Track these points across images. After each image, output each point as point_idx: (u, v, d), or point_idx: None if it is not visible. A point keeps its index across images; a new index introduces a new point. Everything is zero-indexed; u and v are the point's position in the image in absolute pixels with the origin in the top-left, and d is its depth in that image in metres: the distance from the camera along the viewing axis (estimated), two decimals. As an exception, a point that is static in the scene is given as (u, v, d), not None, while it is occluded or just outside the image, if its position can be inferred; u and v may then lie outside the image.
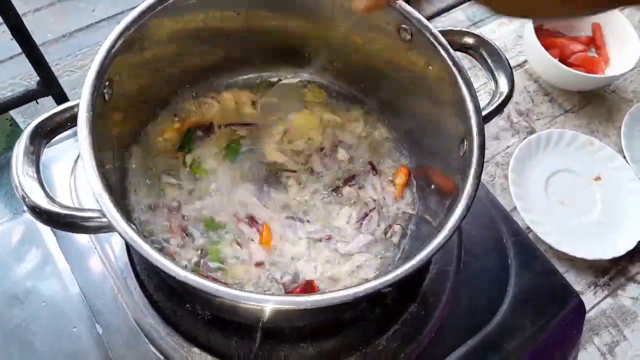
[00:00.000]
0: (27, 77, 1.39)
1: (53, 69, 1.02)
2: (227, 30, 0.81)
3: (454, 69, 0.68)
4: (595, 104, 1.28)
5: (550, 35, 1.28)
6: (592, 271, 1.07)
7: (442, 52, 0.69)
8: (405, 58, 0.76)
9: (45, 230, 0.81)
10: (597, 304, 1.05)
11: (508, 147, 1.20)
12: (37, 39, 0.99)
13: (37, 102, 0.99)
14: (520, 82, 1.30)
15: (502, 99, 0.70)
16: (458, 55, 0.71)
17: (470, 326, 0.81)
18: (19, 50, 0.97)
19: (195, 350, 0.74)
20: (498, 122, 1.23)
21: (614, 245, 1.06)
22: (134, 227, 0.55)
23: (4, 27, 0.94)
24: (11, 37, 0.95)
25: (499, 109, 0.69)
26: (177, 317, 0.76)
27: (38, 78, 0.97)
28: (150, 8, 0.69)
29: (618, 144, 1.21)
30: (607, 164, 1.16)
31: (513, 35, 1.37)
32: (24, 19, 0.94)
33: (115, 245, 0.80)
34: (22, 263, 0.79)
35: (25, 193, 0.55)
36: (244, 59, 0.89)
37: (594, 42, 1.30)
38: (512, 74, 0.71)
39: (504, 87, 0.71)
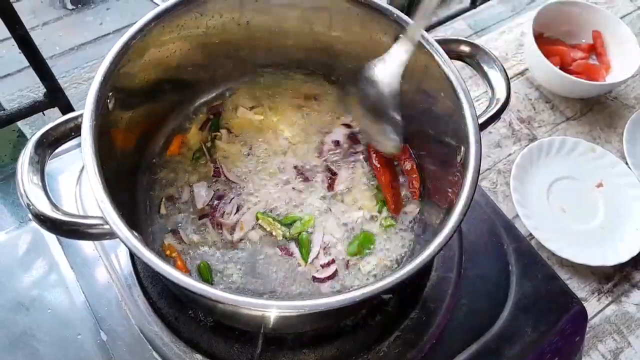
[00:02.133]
0: (34, 89, 1.42)
1: (60, 81, 1.04)
2: (228, 41, 0.83)
3: (450, 76, 0.69)
4: (596, 111, 1.28)
5: (550, 43, 1.29)
6: (595, 278, 1.07)
7: (439, 60, 0.70)
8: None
9: (50, 239, 0.82)
10: (600, 310, 1.04)
11: (510, 154, 1.20)
12: (45, 52, 1.01)
13: (43, 113, 1.01)
14: (522, 90, 1.30)
15: (499, 105, 0.71)
16: (458, 64, 0.72)
17: (471, 332, 0.81)
18: (27, 63, 0.99)
19: (198, 356, 0.75)
20: (500, 130, 1.24)
21: (617, 252, 1.06)
22: (136, 234, 0.56)
23: (13, 41, 0.96)
24: (19, 50, 0.97)
25: (495, 116, 0.70)
26: (179, 323, 0.77)
27: (45, 90, 0.99)
28: (154, 19, 0.70)
29: (620, 151, 1.21)
30: (609, 170, 1.16)
31: (514, 44, 1.38)
32: (33, 33, 0.96)
33: (119, 253, 0.82)
34: (28, 271, 0.80)
35: (30, 201, 0.57)
36: (248, 66, 0.91)
37: (595, 49, 1.31)
38: (508, 80, 0.72)
39: (500, 94, 0.72)
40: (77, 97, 1.35)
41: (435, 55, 0.71)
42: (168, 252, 0.78)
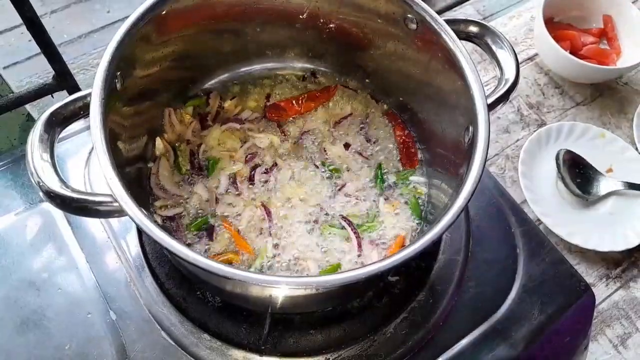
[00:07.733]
0: (44, 75, 1.43)
1: (69, 67, 1.04)
2: (237, 22, 0.83)
3: (459, 56, 0.69)
4: (607, 96, 1.27)
5: (560, 28, 1.28)
6: (604, 263, 1.06)
7: (448, 40, 0.70)
8: (412, 47, 0.77)
9: (60, 221, 0.83)
10: (609, 295, 1.04)
11: (518, 140, 1.19)
12: (54, 40, 1.01)
13: (52, 96, 1.02)
14: (531, 75, 1.29)
15: (507, 86, 0.70)
16: (467, 47, 0.71)
17: (478, 315, 0.81)
18: (36, 50, 0.99)
19: (206, 336, 0.75)
20: (508, 115, 1.23)
21: (626, 237, 1.05)
22: (144, 211, 0.56)
23: (23, 29, 0.96)
24: (29, 38, 0.97)
25: (504, 96, 0.70)
26: (187, 304, 0.77)
27: (53, 73, 0.99)
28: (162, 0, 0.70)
29: (630, 136, 1.20)
30: (619, 156, 1.15)
31: (524, 29, 1.37)
32: (41, 21, 0.96)
33: (128, 234, 0.82)
34: (38, 252, 0.81)
35: (40, 178, 0.57)
36: (254, 51, 0.91)
37: (606, 33, 1.29)
38: (517, 60, 0.71)
39: (509, 74, 0.71)
40: (86, 82, 1.36)
41: (443, 34, 0.70)
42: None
